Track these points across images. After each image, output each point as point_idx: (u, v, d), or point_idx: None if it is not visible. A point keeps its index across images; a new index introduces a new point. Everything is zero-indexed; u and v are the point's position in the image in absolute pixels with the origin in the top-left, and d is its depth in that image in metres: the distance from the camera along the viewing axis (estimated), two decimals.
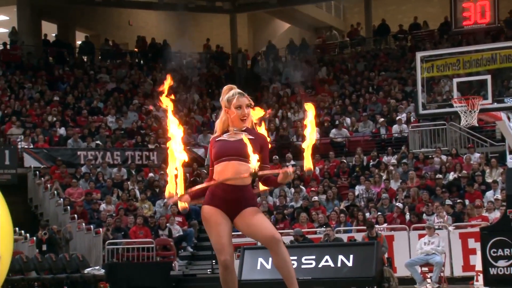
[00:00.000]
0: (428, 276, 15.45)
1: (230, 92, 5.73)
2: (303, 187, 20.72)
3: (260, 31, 37.25)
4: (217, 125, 5.78)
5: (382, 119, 23.16)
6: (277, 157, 22.84)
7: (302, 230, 17.46)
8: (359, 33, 33.01)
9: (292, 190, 20.67)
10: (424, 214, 17.54)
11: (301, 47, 32.04)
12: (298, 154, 23.28)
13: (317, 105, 25.89)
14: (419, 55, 19.70)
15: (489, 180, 18.66)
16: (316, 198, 19.66)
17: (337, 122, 23.88)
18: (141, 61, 31.34)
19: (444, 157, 20.49)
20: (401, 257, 16.31)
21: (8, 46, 29.29)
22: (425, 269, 15.60)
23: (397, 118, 22.90)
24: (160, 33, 34.72)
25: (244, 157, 5.52)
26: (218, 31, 35.75)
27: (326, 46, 32.48)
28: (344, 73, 28.37)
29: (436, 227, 16.34)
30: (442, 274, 15.46)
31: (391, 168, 20.46)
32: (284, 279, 5.72)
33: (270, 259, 16.41)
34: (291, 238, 17.18)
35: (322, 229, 17.56)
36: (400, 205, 18.29)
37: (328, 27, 35.59)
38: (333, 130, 23.62)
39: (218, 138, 5.70)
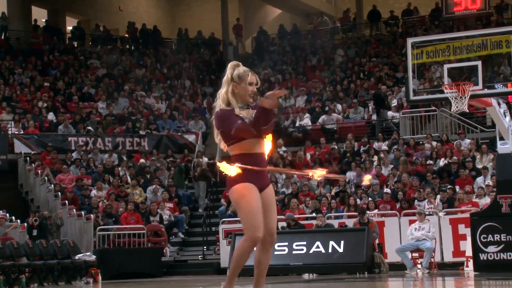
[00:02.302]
0: (419, 262, 15.50)
1: (240, 68, 5.77)
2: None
3: (251, 16, 37.12)
4: (230, 99, 5.68)
5: (371, 106, 23.09)
6: None
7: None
8: (350, 19, 32.94)
9: (284, 176, 20.65)
10: (416, 200, 17.56)
11: (292, 33, 31.96)
12: (289, 140, 23.32)
13: (309, 91, 25.90)
14: (410, 41, 19.67)
15: (479, 166, 18.69)
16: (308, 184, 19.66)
17: (327, 108, 23.86)
18: (132, 47, 31.19)
19: (434, 143, 20.50)
20: (391, 243, 16.35)
21: (2, 37, 29.11)
22: (416, 254, 15.65)
23: (393, 104, 22.85)
24: (151, 18, 34.58)
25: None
26: (209, 16, 35.61)
27: (317, 32, 32.39)
28: (335, 59, 28.31)
29: (427, 213, 16.37)
30: (432, 259, 15.51)
31: (382, 154, 20.46)
32: (258, 276, 5.75)
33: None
34: (283, 224, 17.18)
35: (313, 215, 17.56)
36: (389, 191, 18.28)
37: (320, 13, 35.50)
38: (324, 116, 23.60)
39: (238, 114, 5.63)
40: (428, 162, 19.33)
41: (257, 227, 5.55)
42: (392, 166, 19.81)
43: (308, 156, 21.81)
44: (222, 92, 5.74)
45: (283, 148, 22.68)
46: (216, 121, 5.67)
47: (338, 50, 28.15)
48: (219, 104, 5.70)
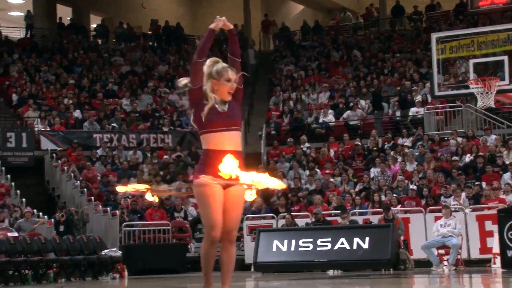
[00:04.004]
0: (445, 259, 15.35)
1: (219, 65, 5.75)
2: (317, 170, 20.64)
3: (273, 13, 37.04)
4: (209, 95, 5.65)
5: (392, 100, 22.93)
6: (291, 139, 22.78)
7: None
8: (374, 14, 32.76)
9: (307, 172, 20.60)
10: (442, 197, 17.42)
11: (314, 29, 31.84)
12: (312, 137, 23.25)
13: (331, 87, 25.79)
14: (434, 36, 19.58)
15: (506, 162, 18.50)
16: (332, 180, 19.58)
17: (351, 104, 23.74)
18: (155, 44, 31.24)
19: (460, 139, 20.34)
20: (417, 239, 16.22)
21: (28, 35, 29.31)
22: (442, 251, 15.48)
23: (416, 100, 22.68)
24: (174, 16, 34.63)
25: (239, 129, 5.69)
26: (231, 13, 35.57)
27: (340, 27, 32.25)
28: (358, 55, 28.16)
29: (453, 209, 16.22)
30: (459, 256, 15.35)
31: (407, 150, 20.33)
32: (223, 275, 5.78)
33: (286, 241, 16.42)
34: (307, 220, 17.13)
35: (338, 211, 17.48)
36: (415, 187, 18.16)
37: (342, 8, 35.33)
38: (348, 112, 23.49)
39: (210, 107, 5.62)
40: (453, 158, 19.18)
41: (213, 225, 5.55)
42: (416, 162, 19.68)
43: (332, 153, 21.74)
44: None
45: (307, 145, 22.61)
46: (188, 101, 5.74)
47: (354, 51, 27.94)
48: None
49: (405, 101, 22.91)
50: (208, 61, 5.75)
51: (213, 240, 5.59)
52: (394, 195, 17.96)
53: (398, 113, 23.03)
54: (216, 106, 5.64)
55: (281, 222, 17.47)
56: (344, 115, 23.47)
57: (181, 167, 21.76)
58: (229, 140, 5.62)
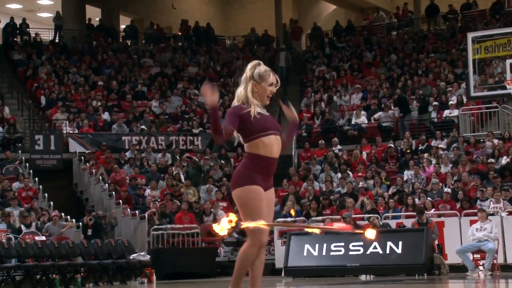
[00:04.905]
0: (481, 264, 15.16)
1: (261, 68, 5.71)
2: (349, 172, 20.52)
3: (305, 13, 36.95)
4: (250, 98, 5.63)
5: (435, 103, 22.72)
6: (323, 141, 22.68)
7: None
8: (407, 14, 32.52)
9: (339, 175, 20.49)
10: (478, 200, 17.20)
11: (347, 29, 31.70)
12: (344, 139, 23.13)
13: (364, 88, 25.63)
14: (470, 35, 19.37)
15: None
16: (363, 183, 19.45)
17: (383, 105, 23.55)
18: (185, 45, 31.34)
19: (496, 141, 20.08)
20: (452, 243, 16.03)
21: (57, 36, 29.58)
22: (477, 256, 15.31)
23: (450, 102, 22.44)
24: (204, 16, 34.70)
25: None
26: (262, 13, 35.57)
27: (373, 27, 32.07)
28: (392, 55, 27.95)
29: (490, 212, 16.00)
30: (495, 261, 15.15)
31: (441, 152, 20.13)
32: (254, 279, 5.76)
33: (317, 245, 16.33)
34: (340, 224, 16.98)
35: (369, 215, 17.35)
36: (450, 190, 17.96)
37: (375, 8, 35.12)
38: (380, 113, 23.31)
39: (258, 111, 5.61)
40: (489, 161, 18.94)
41: (263, 230, 5.57)
42: (451, 165, 19.46)
43: (364, 155, 21.60)
44: (239, 90, 5.70)
45: (338, 147, 22.50)
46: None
47: (391, 55, 27.71)
48: (234, 102, 5.69)
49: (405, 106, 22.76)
50: (250, 64, 5.74)
51: (262, 244, 5.62)
52: (428, 198, 17.78)
53: (433, 115, 22.78)
54: (259, 109, 5.64)
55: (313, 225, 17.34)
56: (376, 116, 23.30)
57: (195, 170, 21.59)
58: (277, 144, 5.65)
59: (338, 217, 17.54)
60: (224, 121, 5.53)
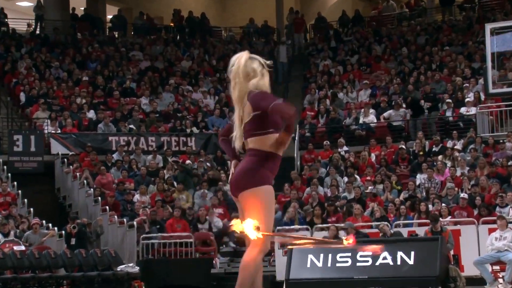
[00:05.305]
0: (500, 276, 15.17)
1: (261, 59, 5.85)
2: (357, 176, 20.52)
3: (308, 2, 36.96)
4: (267, 86, 5.72)
5: (448, 100, 22.75)
6: (328, 142, 22.68)
7: (356, 224, 17.27)
8: (420, 3, 32.55)
9: (345, 179, 20.49)
10: (497, 206, 17.21)
11: (354, 20, 31.71)
12: (351, 139, 23.13)
13: (373, 84, 25.64)
14: (488, 26, 19.38)
15: None
16: (371, 188, 19.45)
17: (394, 103, 23.54)
18: (178, 37, 31.35)
19: None
20: (469, 254, 16.04)
21: (38, 27, 29.57)
22: (497, 267, 15.32)
23: (466, 99, 22.46)
24: (198, 6, 34.70)
25: None
26: (262, 3, 35.59)
27: (382, 18, 32.10)
28: (403, 48, 27.98)
29: (510, 220, 16.02)
30: None
31: (457, 154, 20.13)
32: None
33: (321, 256, 16.32)
34: (344, 233, 17.01)
35: (378, 223, 17.36)
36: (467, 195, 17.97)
37: None
38: (390, 111, 23.31)
39: None
40: (509, 163, 18.95)
41: (269, 239, 5.62)
42: (468, 168, 19.47)
43: (373, 157, 21.60)
44: (260, 81, 5.71)
45: (345, 148, 22.51)
46: (255, 100, 5.55)
47: (403, 49, 27.70)
48: (256, 89, 5.65)
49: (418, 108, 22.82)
50: (247, 54, 5.86)
51: (267, 250, 5.69)
52: (443, 204, 17.79)
53: (448, 113, 22.80)
54: None
55: (317, 234, 17.36)
56: (385, 114, 23.30)
57: (184, 174, 21.54)
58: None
59: (342, 225, 17.56)
60: (266, 102, 5.45)
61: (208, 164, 22.38)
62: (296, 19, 31.89)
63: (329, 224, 17.78)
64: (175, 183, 21.16)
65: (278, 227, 18.36)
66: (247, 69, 5.76)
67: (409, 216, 17.94)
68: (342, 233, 16.97)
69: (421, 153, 20.81)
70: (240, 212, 5.67)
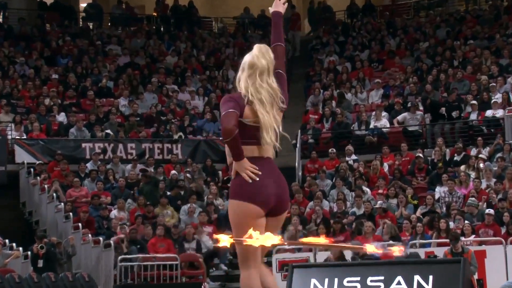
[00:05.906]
0: None
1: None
2: (367, 189, 20.55)
3: None
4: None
5: (473, 102, 22.81)
6: (334, 150, 22.71)
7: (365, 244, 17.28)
8: None
9: (353, 193, 20.51)
10: None
11: (364, 10, 31.80)
12: (361, 147, 23.15)
13: (386, 83, 25.71)
14: None
15: None
16: (381, 202, 19.51)
17: (410, 105, 23.61)
18: (161, 29, 31.41)
19: None
20: (495, 278, 16.07)
21: (0, 17, 29.59)
22: None
23: (493, 101, 22.54)
24: None
25: None
26: None
27: (397, 8, 32.19)
28: (421, 42, 28.10)
29: None
30: None
31: (482, 164, 20.19)
32: None
33: (326, 280, 16.32)
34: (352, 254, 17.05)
35: (391, 242, 17.39)
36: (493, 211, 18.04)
37: None
38: (405, 114, 23.36)
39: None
40: None
41: (258, 258, 6.28)
42: (495, 179, 19.53)
43: (386, 167, 21.63)
44: (275, 84, 6.16)
45: (353, 157, 22.54)
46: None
47: (420, 43, 27.81)
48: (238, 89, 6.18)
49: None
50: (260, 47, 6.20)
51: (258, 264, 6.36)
52: (466, 221, 17.82)
53: (473, 116, 22.85)
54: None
55: (320, 255, 17.40)
56: (400, 118, 23.35)
57: (150, 186, 21.49)
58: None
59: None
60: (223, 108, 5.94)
61: (188, 175, 22.36)
62: (292, 15, 31.77)
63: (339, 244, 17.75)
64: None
65: (276, 247, 18.41)
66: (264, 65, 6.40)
67: (427, 235, 17.97)
68: (348, 254, 17.00)
69: (440, 163, 20.85)
70: (260, 230, 5.83)
